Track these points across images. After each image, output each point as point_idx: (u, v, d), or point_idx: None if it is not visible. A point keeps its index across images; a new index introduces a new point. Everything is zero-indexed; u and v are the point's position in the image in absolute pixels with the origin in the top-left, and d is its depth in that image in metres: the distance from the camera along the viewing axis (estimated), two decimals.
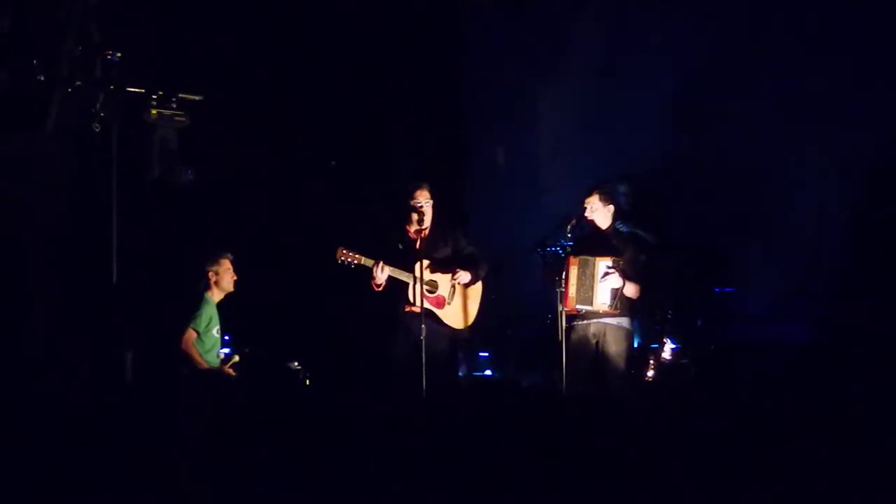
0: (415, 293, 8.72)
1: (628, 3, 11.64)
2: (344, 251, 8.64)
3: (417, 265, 8.70)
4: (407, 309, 8.82)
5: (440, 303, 8.93)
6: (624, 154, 11.41)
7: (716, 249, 11.25)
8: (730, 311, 11.02)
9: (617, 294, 8.87)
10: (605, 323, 8.94)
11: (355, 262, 8.65)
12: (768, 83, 11.28)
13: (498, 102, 12.19)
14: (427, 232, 8.89)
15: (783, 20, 11.25)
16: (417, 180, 8.98)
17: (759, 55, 11.27)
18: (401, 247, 8.88)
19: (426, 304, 8.78)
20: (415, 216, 8.85)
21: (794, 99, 11.13)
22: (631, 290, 8.92)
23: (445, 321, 8.96)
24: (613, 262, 8.87)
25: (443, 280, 8.94)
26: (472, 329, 9.24)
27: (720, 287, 11.05)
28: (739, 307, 11.06)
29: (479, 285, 9.11)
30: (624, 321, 8.98)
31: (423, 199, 8.89)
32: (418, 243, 8.86)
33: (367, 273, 8.69)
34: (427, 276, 8.82)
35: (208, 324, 9.10)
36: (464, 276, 8.92)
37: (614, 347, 8.94)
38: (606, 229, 9.06)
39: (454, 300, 8.98)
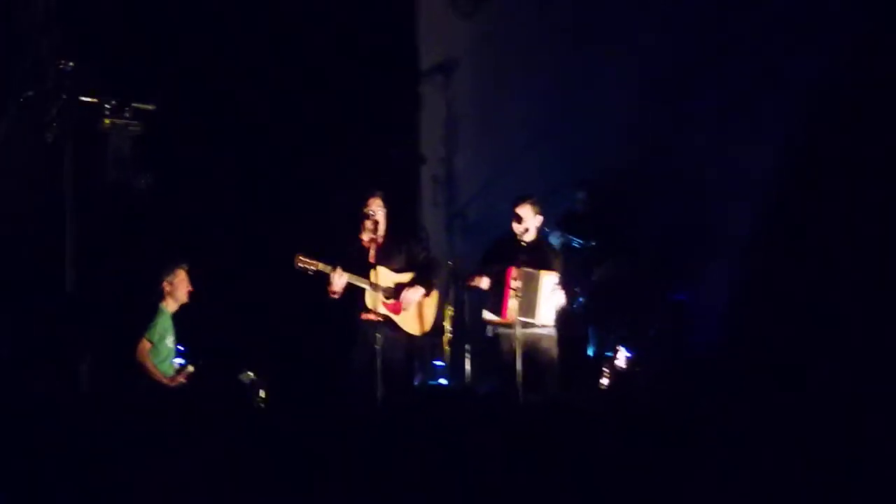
0: (373, 300, 8.72)
1: (584, 12, 11.68)
2: (302, 258, 8.61)
3: (374, 272, 8.72)
4: (364, 316, 8.81)
5: (397, 309, 8.96)
6: (580, 161, 11.47)
7: (669, 257, 11.30)
8: (683, 318, 11.07)
9: (558, 309, 8.94)
10: (537, 333, 8.96)
11: (313, 268, 8.62)
12: (723, 92, 11.35)
13: (455, 111, 12.22)
14: (381, 240, 8.88)
15: (740, 29, 11.32)
16: (371, 188, 8.98)
17: (713, 65, 11.33)
18: (355, 256, 8.86)
19: (384, 311, 8.79)
20: (368, 224, 8.85)
21: (750, 108, 11.22)
22: (563, 302, 9.00)
23: (403, 327, 8.97)
24: (558, 278, 8.91)
25: (399, 287, 8.97)
26: (428, 335, 9.24)
27: (674, 295, 11.11)
28: (693, 314, 11.10)
29: (434, 291, 9.12)
30: (552, 330, 9.02)
31: (376, 207, 8.89)
32: (372, 251, 8.85)
33: (325, 280, 8.67)
34: (384, 282, 8.84)
35: (163, 334, 9.09)
36: (415, 294, 8.91)
37: (548, 356, 8.97)
38: (533, 239, 9.07)
39: (413, 306, 8.99)
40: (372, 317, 8.72)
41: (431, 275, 9.04)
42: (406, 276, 9.00)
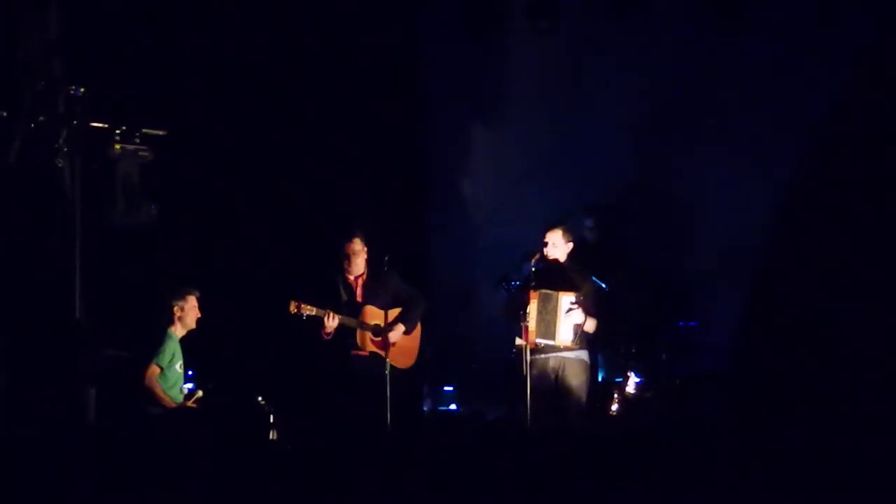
0: (362, 338, 9.10)
1: (591, 33, 11.70)
2: (295, 303, 8.89)
3: (364, 311, 9.13)
4: (354, 353, 9.14)
5: (386, 345, 9.15)
6: (588, 187, 11.48)
7: (679, 283, 11.30)
8: (694, 344, 11.06)
9: (579, 330, 8.92)
10: (563, 357, 8.99)
11: (307, 313, 8.90)
12: (735, 117, 11.37)
13: (458, 137, 12.24)
14: (364, 278, 9.25)
15: (742, 55, 11.35)
16: (350, 230, 9.29)
17: (719, 90, 11.36)
18: (344, 296, 9.21)
19: (373, 348, 9.13)
20: (347, 265, 9.20)
21: (756, 134, 11.24)
22: (590, 324, 8.99)
23: (392, 363, 9.18)
24: (576, 297, 8.91)
25: (385, 324, 9.21)
26: (414, 367, 9.49)
27: (684, 321, 11.10)
28: (703, 340, 11.09)
29: (418, 326, 9.43)
30: (583, 354, 9.04)
31: (354, 249, 9.21)
32: (358, 290, 9.24)
33: (318, 323, 8.96)
34: (371, 321, 9.16)
35: (171, 359, 9.08)
36: (396, 334, 9.20)
37: (574, 381, 8.99)
38: (563, 263, 9.11)
39: (397, 342, 9.24)
40: (363, 353, 9.11)
41: (413, 311, 9.34)
42: (391, 313, 9.26)
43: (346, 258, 9.20)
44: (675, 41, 11.47)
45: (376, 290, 9.25)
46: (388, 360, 9.04)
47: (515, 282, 9.59)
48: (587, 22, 11.64)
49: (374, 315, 9.20)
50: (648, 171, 11.58)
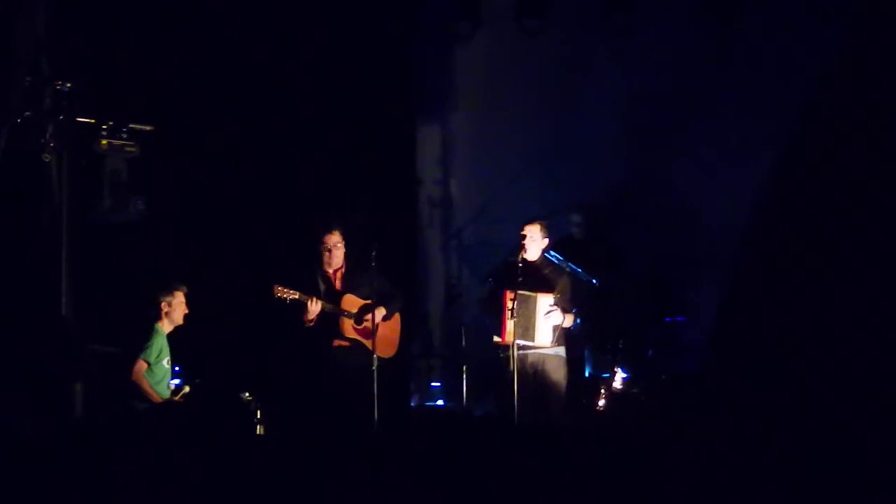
0: (344, 326, 9.19)
1: (579, 33, 11.71)
2: (279, 287, 8.97)
3: (344, 300, 9.20)
4: (336, 343, 9.25)
5: (367, 334, 9.21)
6: (575, 186, 11.49)
7: (666, 279, 11.31)
8: (681, 341, 11.07)
9: (558, 330, 8.94)
10: (542, 353, 9.03)
11: (291, 297, 8.98)
12: (720, 118, 11.37)
13: (448, 136, 12.24)
14: (343, 271, 9.34)
15: (731, 58, 11.36)
16: (328, 224, 9.38)
17: (704, 93, 11.36)
18: (322, 286, 9.28)
19: (354, 335, 9.23)
20: (326, 258, 9.28)
21: (745, 133, 11.24)
22: (568, 321, 9.01)
23: (373, 351, 9.23)
24: (555, 299, 8.93)
25: (363, 310, 9.29)
26: (396, 357, 9.56)
27: (671, 316, 11.11)
28: (690, 337, 11.10)
29: (397, 316, 9.51)
30: (560, 350, 9.08)
31: (334, 242, 9.31)
32: (338, 281, 9.33)
33: (301, 308, 9.04)
34: (353, 310, 9.26)
35: (158, 355, 9.08)
36: (378, 314, 9.23)
37: (554, 376, 9.02)
38: (535, 260, 9.13)
39: (378, 332, 9.27)
40: (344, 343, 9.21)
41: (392, 302, 9.41)
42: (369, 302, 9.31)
43: (325, 251, 9.30)
44: (668, 42, 11.48)
45: (355, 283, 9.32)
46: (375, 353, 9.09)
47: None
48: (580, 22, 11.65)
49: (353, 304, 9.27)
50: (639, 173, 11.58)
